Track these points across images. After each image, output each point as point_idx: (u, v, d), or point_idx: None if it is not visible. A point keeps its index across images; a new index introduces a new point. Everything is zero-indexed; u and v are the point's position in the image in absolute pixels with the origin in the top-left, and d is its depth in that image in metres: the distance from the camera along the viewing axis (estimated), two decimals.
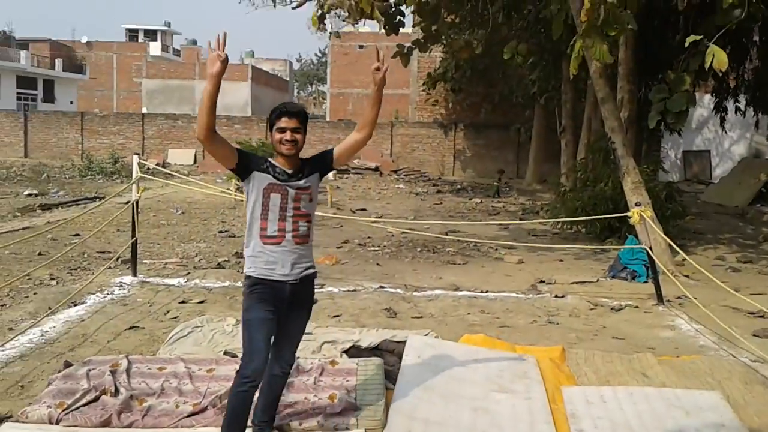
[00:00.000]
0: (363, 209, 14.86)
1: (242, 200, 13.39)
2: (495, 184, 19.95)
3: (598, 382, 4.78)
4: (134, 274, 7.51)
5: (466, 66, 22.99)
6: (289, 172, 3.48)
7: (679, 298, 7.45)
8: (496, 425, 4.02)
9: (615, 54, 11.69)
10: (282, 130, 3.42)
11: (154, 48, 61.58)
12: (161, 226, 11.57)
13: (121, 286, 7.19)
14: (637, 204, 7.30)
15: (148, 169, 11.58)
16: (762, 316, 6.48)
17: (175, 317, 6.14)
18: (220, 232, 11.10)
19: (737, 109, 16.58)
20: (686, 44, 7.61)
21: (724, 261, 9.88)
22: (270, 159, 3.53)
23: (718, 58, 7.26)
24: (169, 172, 14.22)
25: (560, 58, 16.49)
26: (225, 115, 28.04)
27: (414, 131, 26.43)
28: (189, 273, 7.98)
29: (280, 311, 3.46)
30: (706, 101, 21.25)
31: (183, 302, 6.64)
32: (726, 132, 19.33)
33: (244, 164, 3.45)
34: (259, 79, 46.17)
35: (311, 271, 3.57)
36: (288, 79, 63.85)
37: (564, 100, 18.45)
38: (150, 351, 5.20)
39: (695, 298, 6.77)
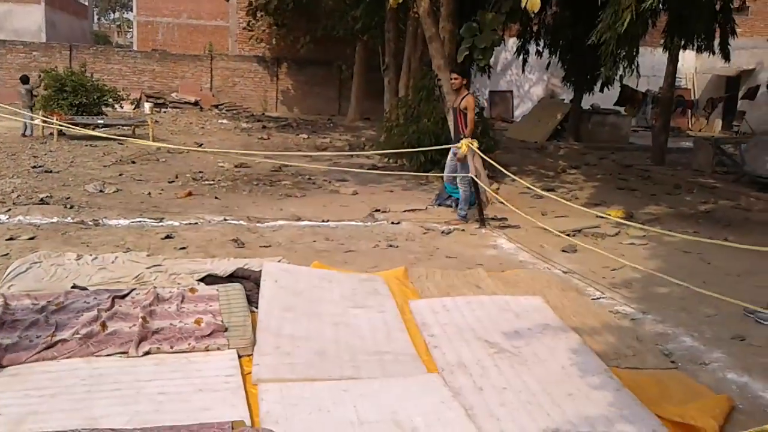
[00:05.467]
0: (200, 144, 14.37)
1: (52, 132, 12.34)
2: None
3: (439, 294, 5.30)
4: None
5: None
6: None
7: (497, 220, 8.30)
8: (358, 336, 4.37)
9: None
10: None
11: None
12: None
13: None
14: (464, 136, 7.91)
15: None
16: (568, 235, 7.43)
17: (6, 254, 5.74)
18: (34, 167, 10.25)
19: (537, 51, 18.08)
20: None
21: (530, 190, 10.99)
22: None
23: (531, 0, 7.95)
24: None
25: None
26: (20, 41, 25.20)
27: (235, 65, 25.61)
28: (9, 210, 7.38)
29: None
30: (510, 45, 22.84)
31: (11, 239, 6.19)
32: (525, 73, 21.03)
33: None
34: (53, 2, 41.54)
35: None
36: (87, 3, 58.22)
37: (387, 39, 18.88)
38: None
39: (511, 222, 7.60)
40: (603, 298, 5.52)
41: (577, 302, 5.27)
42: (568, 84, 18.94)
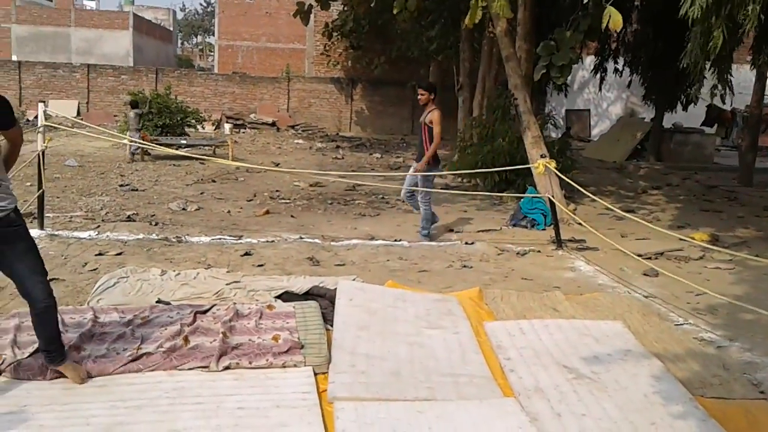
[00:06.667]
0: (277, 164, 14.76)
1: (141, 154, 12.91)
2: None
3: (515, 317, 5.21)
4: (41, 228, 7.23)
5: (365, 21, 22.98)
6: None
7: (575, 242, 8.11)
8: (432, 356, 4.34)
9: (514, 12, 12.16)
10: None
11: None
12: (56, 180, 11.03)
13: None
14: (542, 156, 7.81)
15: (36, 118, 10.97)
16: (649, 258, 7.19)
17: (95, 269, 6.03)
18: (122, 185, 10.75)
19: (616, 69, 17.68)
20: (585, 1, 8.10)
21: (609, 211, 10.72)
22: None
23: (614, 18, 7.80)
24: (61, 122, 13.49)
25: (459, 16, 16.85)
26: (110, 65, 26.59)
27: (311, 86, 26.22)
28: (99, 226, 7.76)
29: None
30: (587, 63, 22.43)
31: (100, 254, 6.50)
32: (603, 92, 20.57)
33: None
34: (141, 28, 43.78)
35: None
36: (171, 29, 60.89)
37: (462, 59, 18.88)
38: (76, 302, 5.13)
39: (589, 244, 7.41)
40: (686, 324, 5.30)
41: (660, 328, 5.08)
42: (649, 102, 18.42)
